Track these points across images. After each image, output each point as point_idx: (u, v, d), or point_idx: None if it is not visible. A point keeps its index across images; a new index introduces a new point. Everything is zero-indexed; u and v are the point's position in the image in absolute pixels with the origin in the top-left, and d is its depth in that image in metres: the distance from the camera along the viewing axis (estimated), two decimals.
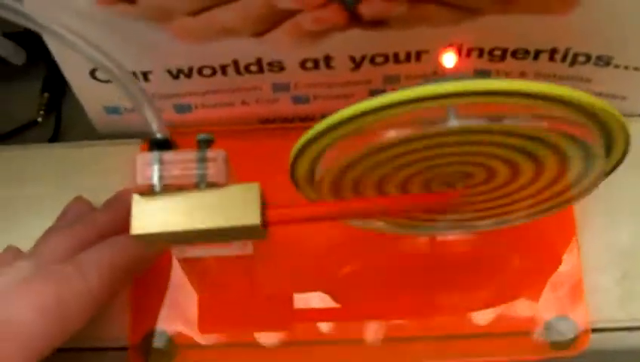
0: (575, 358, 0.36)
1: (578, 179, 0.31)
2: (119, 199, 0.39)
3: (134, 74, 0.37)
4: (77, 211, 0.39)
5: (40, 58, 0.45)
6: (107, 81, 0.38)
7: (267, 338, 0.37)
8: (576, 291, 0.37)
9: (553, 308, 0.36)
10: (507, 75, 0.38)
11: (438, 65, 0.37)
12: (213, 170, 0.31)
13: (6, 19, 0.31)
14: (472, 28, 0.35)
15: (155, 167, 0.31)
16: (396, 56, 0.37)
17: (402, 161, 0.30)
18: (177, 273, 0.38)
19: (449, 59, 0.35)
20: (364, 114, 0.27)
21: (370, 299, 0.38)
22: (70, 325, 0.33)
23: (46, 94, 0.44)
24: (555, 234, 0.38)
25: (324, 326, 0.37)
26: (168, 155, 0.31)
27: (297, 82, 0.39)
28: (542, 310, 0.36)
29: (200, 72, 0.37)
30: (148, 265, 0.37)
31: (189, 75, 0.38)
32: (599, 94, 0.38)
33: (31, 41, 0.44)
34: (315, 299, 0.38)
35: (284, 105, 0.40)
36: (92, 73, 0.37)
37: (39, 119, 0.44)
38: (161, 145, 0.31)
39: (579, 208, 0.38)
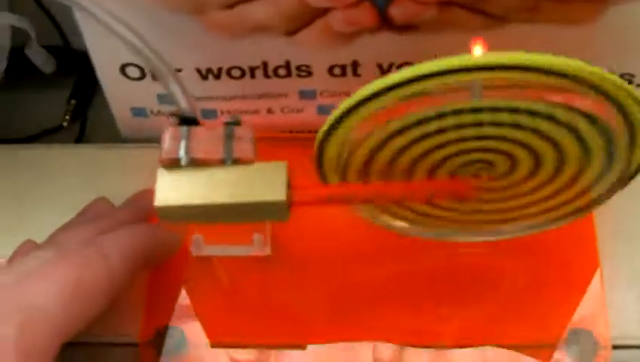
0: None
1: (600, 176, 0.31)
2: (140, 197, 0.39)
3: None
4: (97, 209, 0.39)
5: (70, 70, 0.46)
6: (136, 79, 0.39)
7: (277, 341, 0.36)
8: (597, 305, 0.36)
9: (574, 321, 0.36)
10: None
11: None
12: (241, 147, 0.31)
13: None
14: (498, 35, 0.35)
15: (183, 142, 0.31)
16: None
17: (426, 146, 0.30)
18: (193, 271, 0.38)
19: None
20: (392, 88, 0.28)
21: (386, 308, 0.37)
22: (92, 307, 0.32)
23: (73, 101, 0.45)
24: (576, 247, 0.37)
25: (336, 333, 0.36)
26: (196, 130, 0.31)
27: (324, 90, 0.39)
28: (562, 323, 0.36)
29: (229, 73, 0.38)
30: (168, 253, 0.36)
31: (217, 75, 0.38)
32: None
33: (62, 54, 0.45)
34: (329, 305, 0.37)
35: (309, 116, 0.41)
36: (122, 69, 0.38)
37: (64, 123, 0.44)
38: (190, 122, 0.32)
39: (600, 221, 0.37)
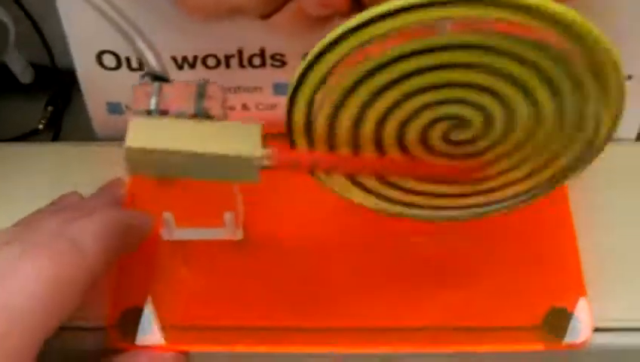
0: (576, 356, 0.35)
1: (571, 135, 0.32)
2: (110, 185, 0.39)
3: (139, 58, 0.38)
4: (67, 201, 0.39)
5: (48, 84, 0.47)
6: (113, 69, 0.39)
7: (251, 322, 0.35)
8: (576, 287, 0.35)
9: (553, 301, 0.35)
10: None
11: None
12: (212, 104, 0.31)
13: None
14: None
15: (154, 97, 0.31)
16: None
17: (390, 98, 0.30)
18: (164, 253, 0.37)
19: None
20: (353, 31, 0.28)
21: (363, 290, 0.36)
22: (71, 301, 0.31)
23: (50, 108, 0.45)
24: (553, 230, 0.37)
25: (312, 313, 0.35)
26: (167, 87, 0.31)
27: None
28: (542, 304, 0.35)
29: (204, 62, 0.39)
30: (141, 236, 0.36)
31: (193, 64, 0.39)
32: None
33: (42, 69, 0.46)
34: (302, 288, 0.36)
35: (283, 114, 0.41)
36: (99, 57, 0.39)
37: (40, 127, 0.45)
38: (160, 79, 0.32)
39: (576, 208, 0.37)
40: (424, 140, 0.32)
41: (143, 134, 0.30)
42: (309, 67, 0.30)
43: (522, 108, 0.31)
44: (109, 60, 0.39)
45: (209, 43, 0.38)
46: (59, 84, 0.46)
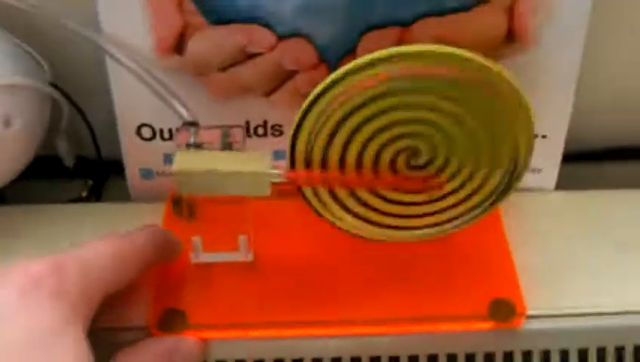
0: (518, 341, 0.44)
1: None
2: (149, 224, 0.49)
3: (169, 129, 0.50)
4: None
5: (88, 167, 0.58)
6: (148, 139, 0.50)
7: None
8: (509, 277, 0.46)
9: (491, 292, 0.45)
10: None
11: None
12: (234, 139, 0.43)
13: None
14: None
15: (192, 135, 0.43)
16: None
17: (365, 135, 0.41)
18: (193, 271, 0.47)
19: None
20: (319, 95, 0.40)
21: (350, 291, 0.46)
22: (127, 272, 0.41)
23: (90, 181, 0.56)
24: (486, 232, 0.48)
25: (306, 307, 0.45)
26: (200, 131, 0.43)
27: None
28: (483, 296, 0.45)
29: None
30: (175, 248, 0.46)
31: None
32: None
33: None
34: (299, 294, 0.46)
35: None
36: (138, 130, 0.50)
37: (83, 194, 0.55)
38: (194, 125, 0.44)
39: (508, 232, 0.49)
40: (394, 168, 0.43)
41: (185, 161, 0.41)
42: (303, 117, 0.41)
43: (457, 135, 0.42)
44: (146, 132, 0.50)
45: (223, 115, 0.50)
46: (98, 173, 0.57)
